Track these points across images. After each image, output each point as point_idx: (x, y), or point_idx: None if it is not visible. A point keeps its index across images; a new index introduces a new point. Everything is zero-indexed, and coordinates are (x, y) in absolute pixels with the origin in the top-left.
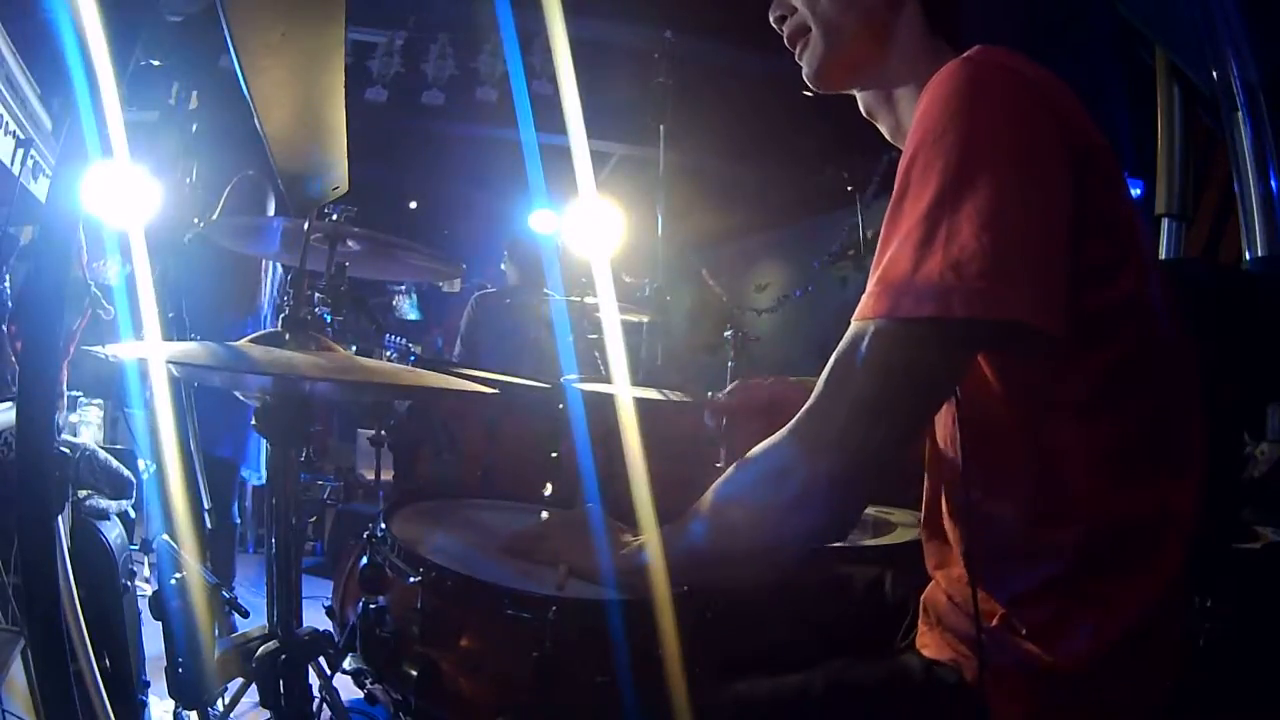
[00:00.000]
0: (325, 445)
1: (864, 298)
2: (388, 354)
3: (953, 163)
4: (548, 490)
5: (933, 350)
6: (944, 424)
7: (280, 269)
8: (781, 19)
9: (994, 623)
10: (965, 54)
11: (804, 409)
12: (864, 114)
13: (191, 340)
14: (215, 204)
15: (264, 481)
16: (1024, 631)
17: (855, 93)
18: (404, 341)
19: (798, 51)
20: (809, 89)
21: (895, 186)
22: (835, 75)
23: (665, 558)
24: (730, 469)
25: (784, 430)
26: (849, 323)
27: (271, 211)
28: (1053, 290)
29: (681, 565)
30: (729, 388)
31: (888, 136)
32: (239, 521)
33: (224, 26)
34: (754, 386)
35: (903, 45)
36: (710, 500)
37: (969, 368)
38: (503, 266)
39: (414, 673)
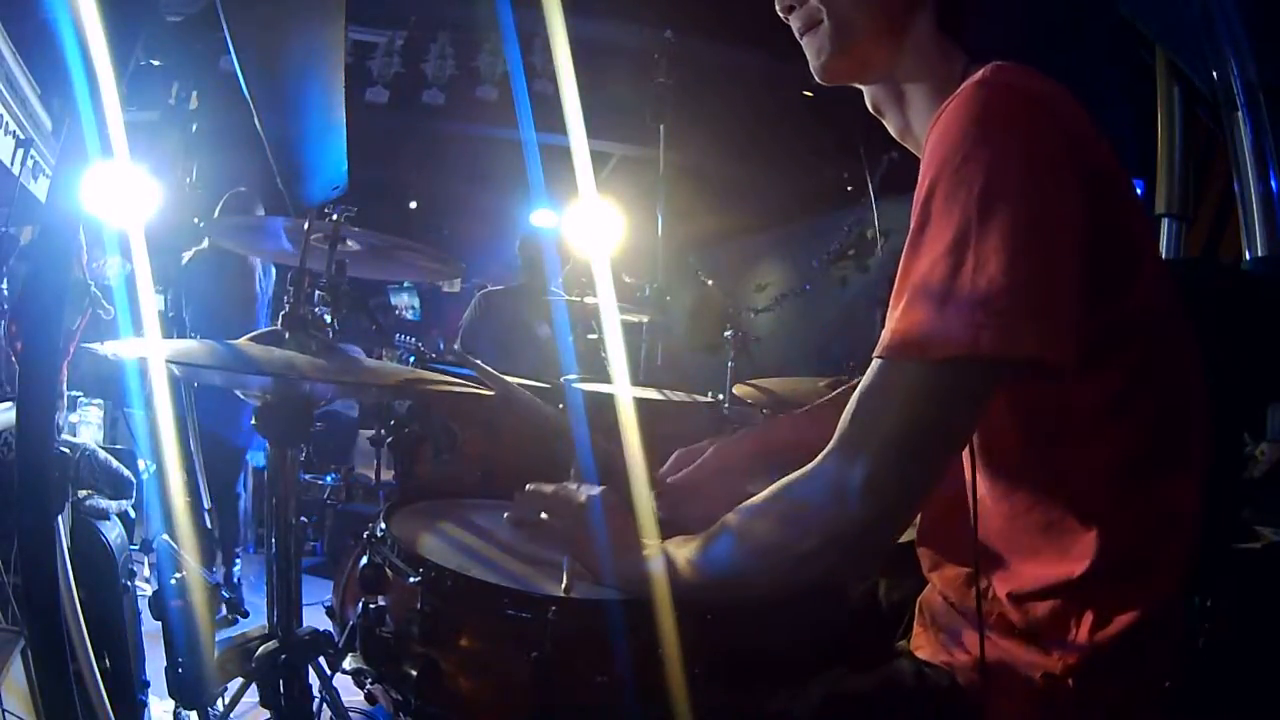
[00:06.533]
0: (329, 446)
1: (886, 333)
2: (398, 353)
3: (975, 196)
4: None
5: (962, 387)
6: None
7: (275, 271)
8: (789, 9)
9: (990, 621)
10: (979, 76)
11: (830, 449)
12: (870, 109)
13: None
14: (214, 205)
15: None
16: (1019, 631)
17: (862, 87)
18: (414, 341)
19: (806, 43)
20: (809, 88)
21: (913, 216)
22: (843, 70)
23: (680, 576)
24: (758, 497)
25: (812, 468)
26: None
27: None
28: (1071, 323)
29: (698, 586)
30: (669, 463)
31: (894, 134)
32: (243, 493)
33: (224, 26)
34: (691, 460)
35: (915, 43)
36: (737, 528)
37: (993, 399)
38: (520, 270)
39: (414, 673)
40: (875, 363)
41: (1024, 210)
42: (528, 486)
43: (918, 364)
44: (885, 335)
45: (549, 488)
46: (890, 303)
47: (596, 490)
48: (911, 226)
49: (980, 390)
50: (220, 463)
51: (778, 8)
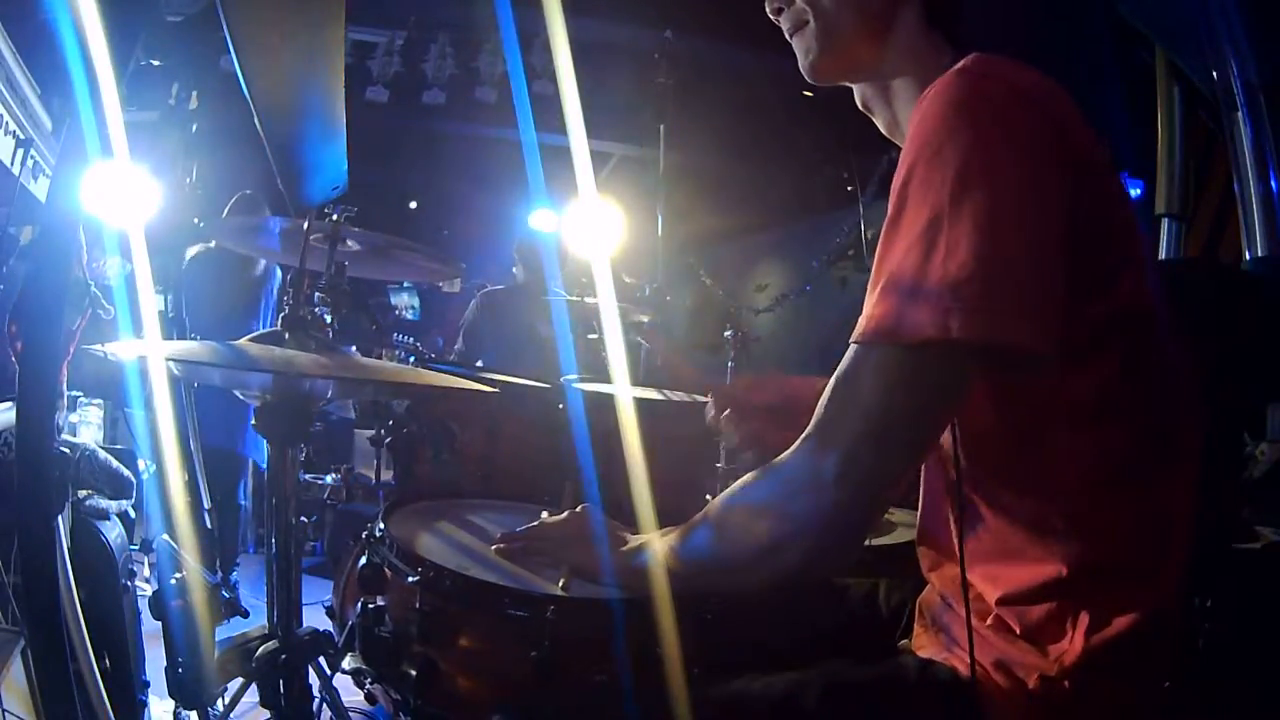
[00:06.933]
0: (329, 446)
1: (862, 319)
2: (396, 353)
3: (950, 180)
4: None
5: (934, 373)
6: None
7: (279, 274)
8: (778, 10)
9: (987, 622)
10: (961, 65)
11: (806, 435)
12: (860, 107)
13: (192, 339)
14: (214, 205)
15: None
16: (1017, 631)
17: (852, 85)
18: (412, 341)
19: (795, 43)
20: (809, 87)
21: (891, 202)
22: (832, 69)
23: (666, 566)
24: (737, 484)
25: (789, 454)
26: (849, 323)
27: None
28: (1049, 309)
29: (681, 574)
30: (738, 380)
31: (884, 131)
32: (245, 504)
33: (224, 26)
34: (763, 383)
35: (901, 40)
36: (716, 516)
37: (970, 388)
38: (515, 270)
39: (413, 672)
40: (850, 349)
41: (999, 195)
42: (495, 547)
43: (890, 349)
44: (860, 321)
45: (521, 530)
46: (868, 290)
47: (577, 509)
48: (888, 213)
49: (953, 376)
50: (223, 471)
51: (768, 10)
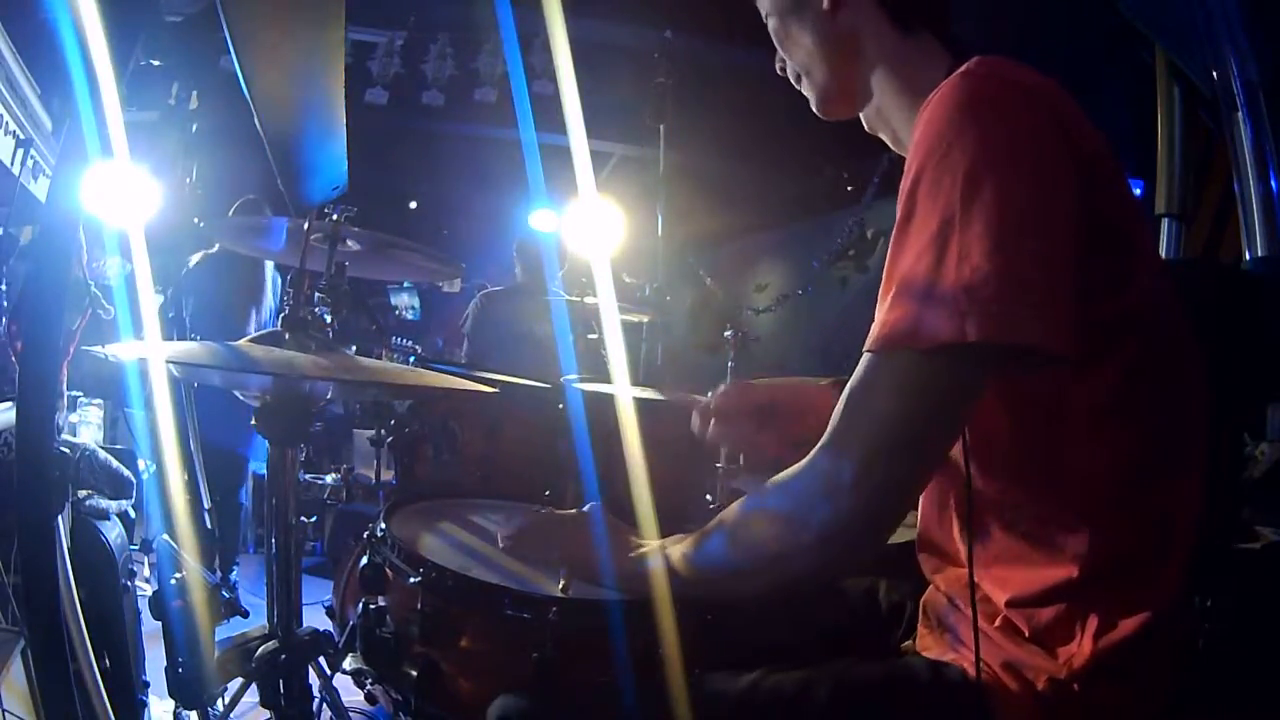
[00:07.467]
0: (329, 446)
1: (875, 326)
2: (395, 356)
3: (959, 183)
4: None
5: (949, 377)
6: None
7: (277, 274)
8: (784, 69)
9: (995, 624)
10: (965, 68)
11: (822, 444)
12: (867, 130)
13: (192, 339)
14: (214, 205)
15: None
16: (1026, 634)
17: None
18: (409, 343)
19: (805, 92)
20: None
21: (899, 207)
22: (838, 105)
23: (678, 573)
24: (749, 496)
25: (804, 463)
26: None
27: None
28: (1063, 310)
29: (694, 581)
30: (720, 389)
31: (891, 146)
32: (246, 503)
33: (224, 26)
34: (745, 388)
35: (872, 49)
36: (731, 524)
37: (983, 392)
38: (514, 270)
39: (414, 673)
40: (864, 357)
41: (1009, 196)
42: (501, 542)
43: (905, 355)
44: (874, 329)
45: (530, 519)
46: (879, 297)
47: (586, 508)
48: (897, 218)
49: (969, 380)
50: (224, 471)
51: (777, 69)
